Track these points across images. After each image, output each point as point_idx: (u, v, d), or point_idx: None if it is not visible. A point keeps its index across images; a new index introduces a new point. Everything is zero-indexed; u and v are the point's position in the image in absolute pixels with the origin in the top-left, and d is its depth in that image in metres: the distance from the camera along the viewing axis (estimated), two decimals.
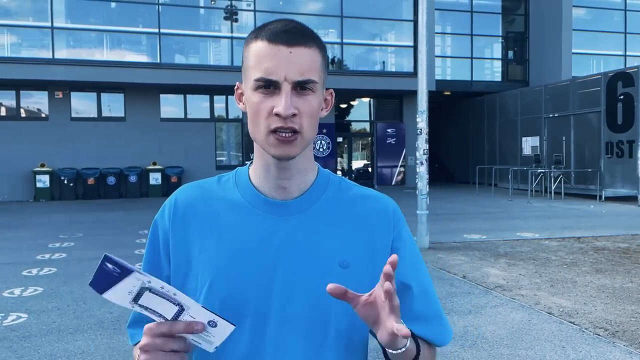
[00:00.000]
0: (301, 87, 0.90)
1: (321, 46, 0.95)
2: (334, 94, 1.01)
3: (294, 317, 0.93)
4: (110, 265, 0.75)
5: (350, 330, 0.96)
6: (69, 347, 3.85)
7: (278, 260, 0.94)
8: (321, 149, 18.17)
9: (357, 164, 20.62)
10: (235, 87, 1.00)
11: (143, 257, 1.03)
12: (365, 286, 0.96)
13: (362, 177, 19.33)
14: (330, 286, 0.81)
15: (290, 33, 0.91)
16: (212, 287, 0.94)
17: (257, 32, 0.93)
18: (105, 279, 0.76)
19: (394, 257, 0.80)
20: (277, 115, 0.89)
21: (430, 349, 1.01)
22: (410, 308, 0.99)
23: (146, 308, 0.80)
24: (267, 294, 0.93)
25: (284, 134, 0.90)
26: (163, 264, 1.00)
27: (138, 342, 0.99)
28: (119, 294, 0.78)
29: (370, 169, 19.76)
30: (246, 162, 1.27)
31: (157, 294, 0.78)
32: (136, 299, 0.78)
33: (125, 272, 0.76)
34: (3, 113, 16.04)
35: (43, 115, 16.10)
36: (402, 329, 0.78)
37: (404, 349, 0.85)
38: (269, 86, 0.90)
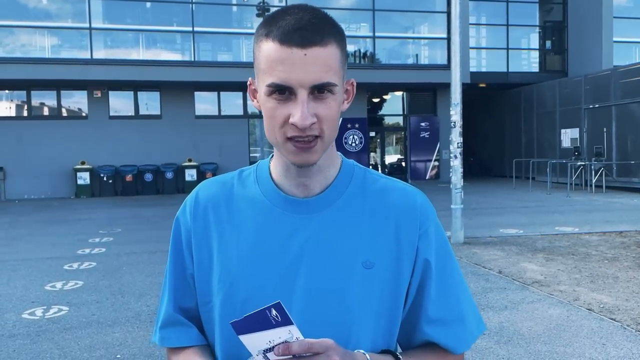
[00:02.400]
0: (319, 90, 0.84)
1: (339, 39, 0.87)
2: (355, 84, 0.95)
3: (316, 320, 0.89)
4: (274, 312, 0.74)
5: (374, 332, 0.93)
6: (108, 339, 3.95)
7: (300, 262, 0.91)
8: (354, 144, 18.11)
9: (391, 158, 20.48)
10: (248, 83, 0.94)
11: (168, 256, 1.02)
12: (390, 287, 0.93)
13: (395, 171, 19.19)
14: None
15: (303, 31, 0.83)
16: (233, 288, 0.92)
17: (268, 29, 0.86)
18: (257, 323, 0.75)
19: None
20: (293, 124, 0.84)
21: (444, 358, 0.96)
22: (426, 311, 0.95)
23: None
24: (288, 297, 0.90)
25: (302, 141, 0.85)
26: (187, 262, 0.98)
27: (169, 344, 1.00)
28: (258, 340, 0.76)
29: (403, 164, 19.59)
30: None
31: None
32: (268, 350, 0.77)
33: (285, 322, 0.74)
34: (45, 113, 16.58)
35: (83, 114, 16.56)
36: None
37: None
38: (283, 92, 0.84)
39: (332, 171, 0.96)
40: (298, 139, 0.85)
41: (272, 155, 0.99)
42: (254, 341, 0.77)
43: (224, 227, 0.96)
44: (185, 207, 1.00)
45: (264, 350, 0.77)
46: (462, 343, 0.96)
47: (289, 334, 0.75)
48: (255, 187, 0.97)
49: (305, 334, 0.81)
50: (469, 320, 0.97)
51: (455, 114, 7.58)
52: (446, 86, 13.64)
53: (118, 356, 3.62)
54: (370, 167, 18.80)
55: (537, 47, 21.19)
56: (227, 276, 0.93)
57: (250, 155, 17.47)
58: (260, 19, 16.94)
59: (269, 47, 0.85)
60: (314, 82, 0.83)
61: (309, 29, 0.83)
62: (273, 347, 0.76)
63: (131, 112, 16.84)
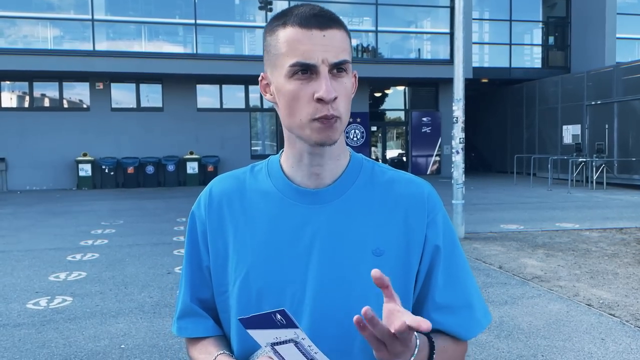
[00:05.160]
0: (337, 69, 0.90)
1: (346, 29, 0.95)
2: (357, 76, 1.00)
3: (327, 306, 0.92)
4: (279, 317, 0.75)
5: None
6: (111, 329, 3.99)
7: (311, 251, 0.94)
8: (355, 138, 18.11)
9: (392, 153, 20.48)
10: (260, 79, 0.98)
11: (184, 249, 1.05)
12: (399, 274, 0.95)
13: (396, 166, 19.01)
14: (375, 273, 0.77)
15: (320, 17, 0.90)
16: (248, 278, 0.95)
17: (284, 19, 0.91)
18: (264, 323, 0.77)
19: (375, 273, 0.77)
20: (318, 100, 0.88)
21: (455, 344, 0.98)
22: (433, 298, 0.97)
23: (277, 353, 0.80)
24: (301, 284, 0.93)
25: (327, 118, 0.89)
26: (202, 254, 1.01)
27: (186, 335, 1.03)
28: (266, 335, 0.78)
29: (404, 159, 19.61)
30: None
31: (299, 349, 0.78)
32: (276, 344, 0.79)
33: (290, 325, 0.76)
34: (47, 104, 16.58)
35: (85, 106, 16.57)
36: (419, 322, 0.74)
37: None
38: (306, 71, 0.88)
39: (343, 161, 1.00)
40: (324, 119, 0.89)
41: (282, 151, 1.02)
42: (262, 336, 0.79)
43: (238, 220, 0.99)
44: (200, 202, 1.04)
45: (272, 344, 0.79)
46: (470, 330, 0.98)
47: (295, 334, 0.77)
48: (267, 181, 1.01)
49: (318, 321, 0.81)
50: (477, 308, 0.99)
51: (458, 110, 7.59)
52: (448, 81, 13.64)
53: (122, 346, 3.66)
54: None
55: (540, 42, 21.15)
56: (242, 266, 0.97)
57: (252, 148, 17.49)
58: (263, 12, 16.91)
59: (288, 32, 0.90)
60: (334, 59, 0.89)
61: (324, 15, 0.91)
62: (280, 342, 0.78)
63: (133, 105, 16.84)
